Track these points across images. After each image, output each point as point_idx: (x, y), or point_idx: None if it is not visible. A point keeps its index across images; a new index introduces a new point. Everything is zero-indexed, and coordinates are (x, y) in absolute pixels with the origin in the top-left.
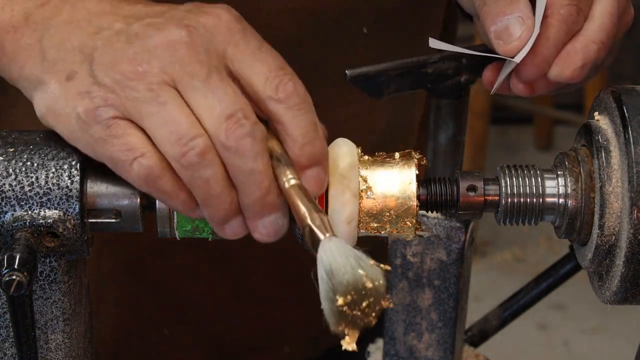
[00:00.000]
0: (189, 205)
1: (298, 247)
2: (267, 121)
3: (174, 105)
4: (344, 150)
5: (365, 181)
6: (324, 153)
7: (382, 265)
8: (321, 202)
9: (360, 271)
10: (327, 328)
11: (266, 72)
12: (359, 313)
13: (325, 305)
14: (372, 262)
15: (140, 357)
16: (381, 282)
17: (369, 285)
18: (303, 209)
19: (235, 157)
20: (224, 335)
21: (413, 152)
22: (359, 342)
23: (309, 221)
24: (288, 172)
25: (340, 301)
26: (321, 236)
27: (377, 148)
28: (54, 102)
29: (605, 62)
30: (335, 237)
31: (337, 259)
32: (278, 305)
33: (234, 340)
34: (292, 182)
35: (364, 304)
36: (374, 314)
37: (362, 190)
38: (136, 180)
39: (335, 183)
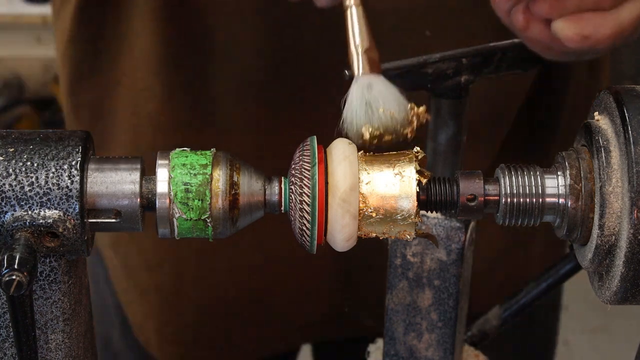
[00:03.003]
0: None
1: (294, 252)
2: None
3: None
4: (346, 173)
5: (365, 200)
6: None
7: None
8: (321, 223)
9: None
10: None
11: None
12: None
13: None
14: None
15: None
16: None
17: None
18: (363, 32)
19: None
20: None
21: (412, 151)
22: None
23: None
24: None
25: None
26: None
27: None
28: None
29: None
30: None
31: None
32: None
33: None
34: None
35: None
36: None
37: (361, 209)
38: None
39: (335, 206)
